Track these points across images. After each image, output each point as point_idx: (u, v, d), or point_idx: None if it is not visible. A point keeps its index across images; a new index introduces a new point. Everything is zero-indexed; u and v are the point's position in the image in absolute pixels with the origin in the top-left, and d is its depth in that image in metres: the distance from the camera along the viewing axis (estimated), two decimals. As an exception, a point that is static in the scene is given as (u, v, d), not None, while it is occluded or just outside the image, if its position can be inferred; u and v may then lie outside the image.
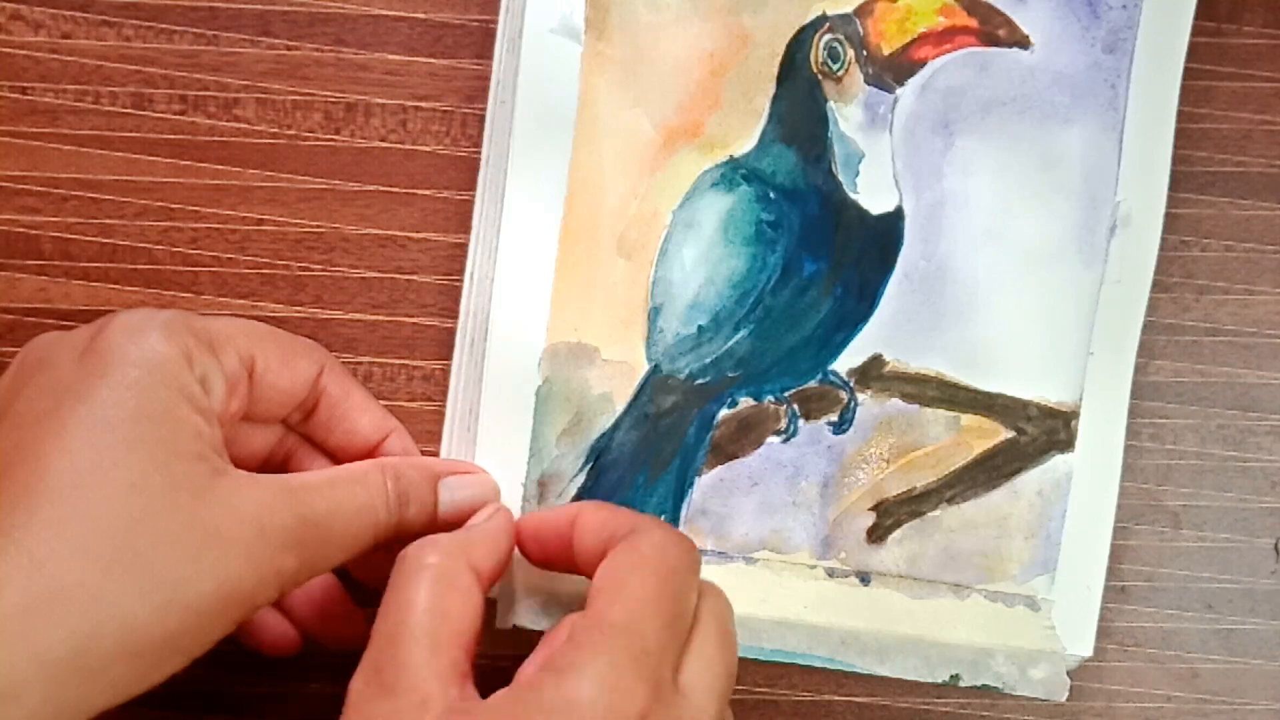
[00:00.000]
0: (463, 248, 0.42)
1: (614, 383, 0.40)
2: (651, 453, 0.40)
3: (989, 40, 0.40)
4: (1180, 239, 0.44)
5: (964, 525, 0.41)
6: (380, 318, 0.43)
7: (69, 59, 0.42)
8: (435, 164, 0.42)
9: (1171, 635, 0.44)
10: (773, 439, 0.41)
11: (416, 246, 0.43)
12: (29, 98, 0.42)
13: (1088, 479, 0.41)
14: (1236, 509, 0.44)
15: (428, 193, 0.43)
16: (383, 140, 0.43)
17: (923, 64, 0.40)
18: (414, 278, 0.43)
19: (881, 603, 0.41)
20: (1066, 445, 0.41)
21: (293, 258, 0.43)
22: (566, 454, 0.40)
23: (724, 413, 0.41)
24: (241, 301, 0.43)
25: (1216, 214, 0.44)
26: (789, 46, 0.40)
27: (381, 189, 0.43)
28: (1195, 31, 0.43)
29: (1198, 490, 0.44)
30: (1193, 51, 0.43)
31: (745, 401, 0.41)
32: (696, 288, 0.40)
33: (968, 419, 0.41)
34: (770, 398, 0.41)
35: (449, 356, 0.42)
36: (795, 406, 0.41)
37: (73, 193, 0.42)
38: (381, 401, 0.42)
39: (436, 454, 0.41)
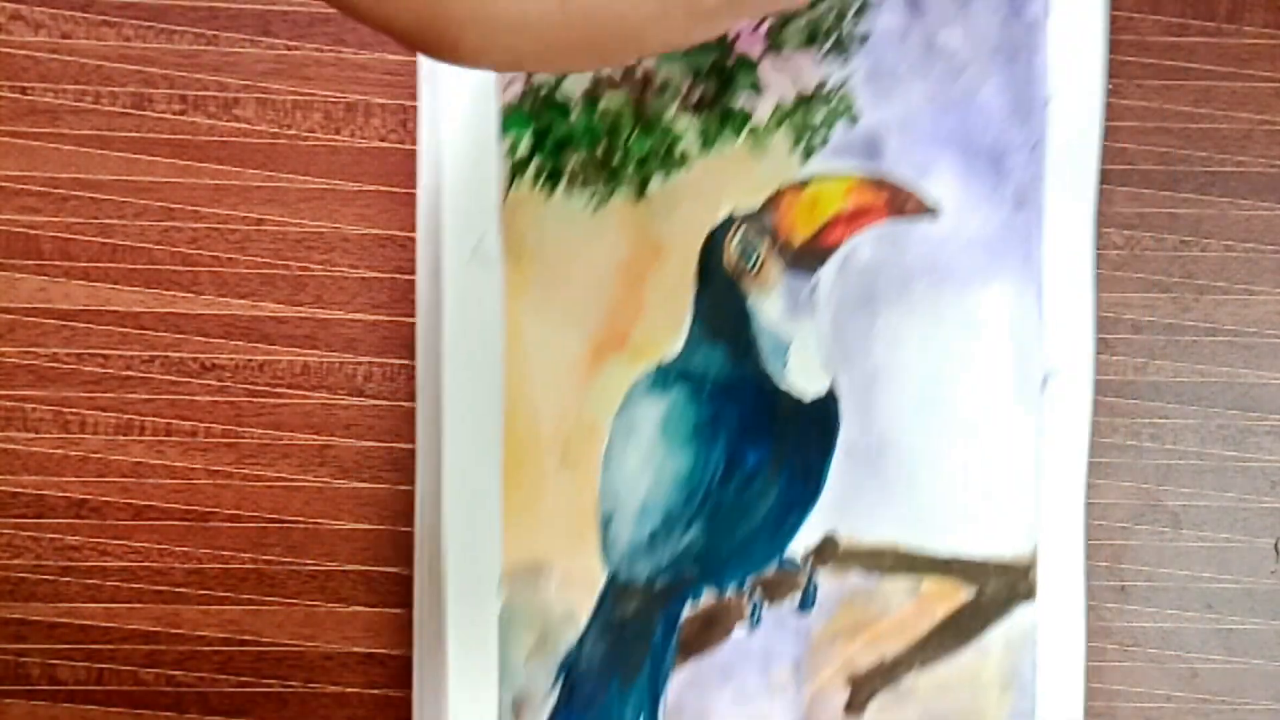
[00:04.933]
0: (463, 248, 0.42)
1: (574, 596, 0.40)
2: (621, 660, 0.40)
3: (898, 214, 0.41)
4: (1180, 239, 0.44)
5: (938, 688, 0.41)
6: (380, 318, 0.43)
7: (69, 59, 0.42)
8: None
9: (1171, 635, 0.44)
10: (739, 630, 0.41)
11: (416, 246, 0.43)
12: (29, 98, 0.42)
13: (1053, 625, 0.42)
14: (1236, 509, 0.44)
15: (428, 193, 0.43)
16: (383, 140, 0.43)
17: (837, 246, 0.41)
18: (414, 278, 0.43)
19: None
20: (1028, 595, 0.41)
21: (293, 258, 0.43)
22: (536, 674, 0.40)
23: (688, 611, 0.41)
24: (241, 301, 0.43)
25: (1216, 214, 0.44)
26: (703, 249, 0.40)
27: (381, 189, 0.43)
28: (1195, 31, 0.43)
29: (1198, 490, 0.44)
30: (1193, 51, 0.43)
31: (707, 596, 0.41)
32: (644, 491, 0.40)
33: (928, 583, 0.41)
34: (731, 589, 0.41)
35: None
36: (757, 594, 0.41)
37: (73, 193, 0.42)
38: (382, 403, 0.42)
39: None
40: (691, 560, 0.41)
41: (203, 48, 0.42)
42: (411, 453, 0.43)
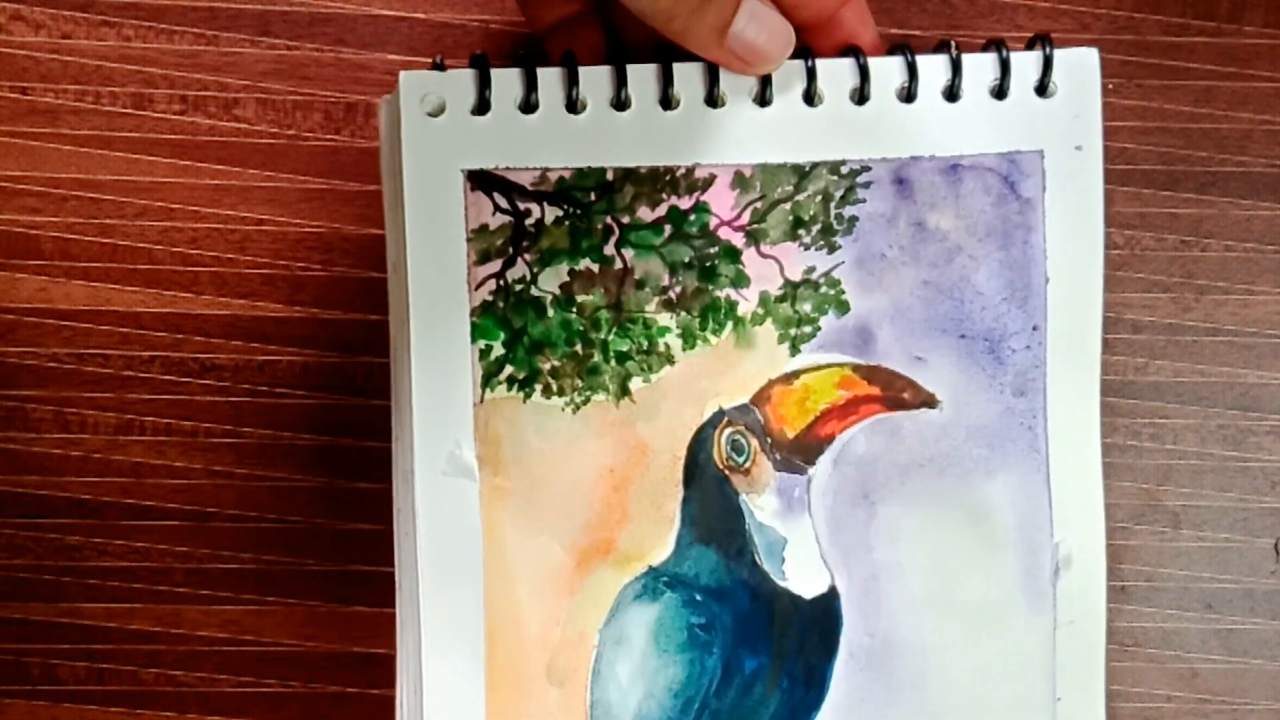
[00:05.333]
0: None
1: None
2: None
3: (895, 405, 0.39)
4: (1180, 239, 0.44)
5: None
6: (380, 318, 0.43)
7: (69, 59, 0.42)
8: (435, 164, 0.43)
9: (1171, 635, 0.44)
10: None
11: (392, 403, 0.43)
12: (29, 98, 0.42)
13: None
14: (1236, 509, 0.44)
15: (428, 193, 0.43)
16: (383, 140, 0.43)
17: (830, 440, 0.39)
18: (414, 278, 0.43)
19: None
20: None
21: (293, 258, 0.43)
22: None
23: None
24: (241, 301, 0.43)
25: (1217, 214, 0.44)
26: (690, 448, 0.38)
27: (381, 189, 0.43)
28: (1195, 31, 0.43)
29: (1198, 490, 0.44)
30: (1193, 51, 0.43)
31: None
32: (637, 704, 0.39)
33: None
34: None
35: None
36: None
37: (73, 193, 0.42)
38: (382, 403, 0.42)
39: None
40: None
41: (203, 48, 0.42)
42: (411, 453, 0.43)
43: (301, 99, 0.42)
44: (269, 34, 0.42)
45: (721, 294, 0.38)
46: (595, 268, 0.38)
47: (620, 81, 0.36)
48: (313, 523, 0.43)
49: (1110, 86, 0.43)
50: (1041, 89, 0.37)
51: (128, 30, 0.42)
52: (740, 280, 0.38)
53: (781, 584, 0.39)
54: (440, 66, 0.36)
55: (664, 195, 0.37)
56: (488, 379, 0.37)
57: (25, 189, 0.42)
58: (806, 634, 0.39)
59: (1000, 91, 0.37)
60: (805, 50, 0.37)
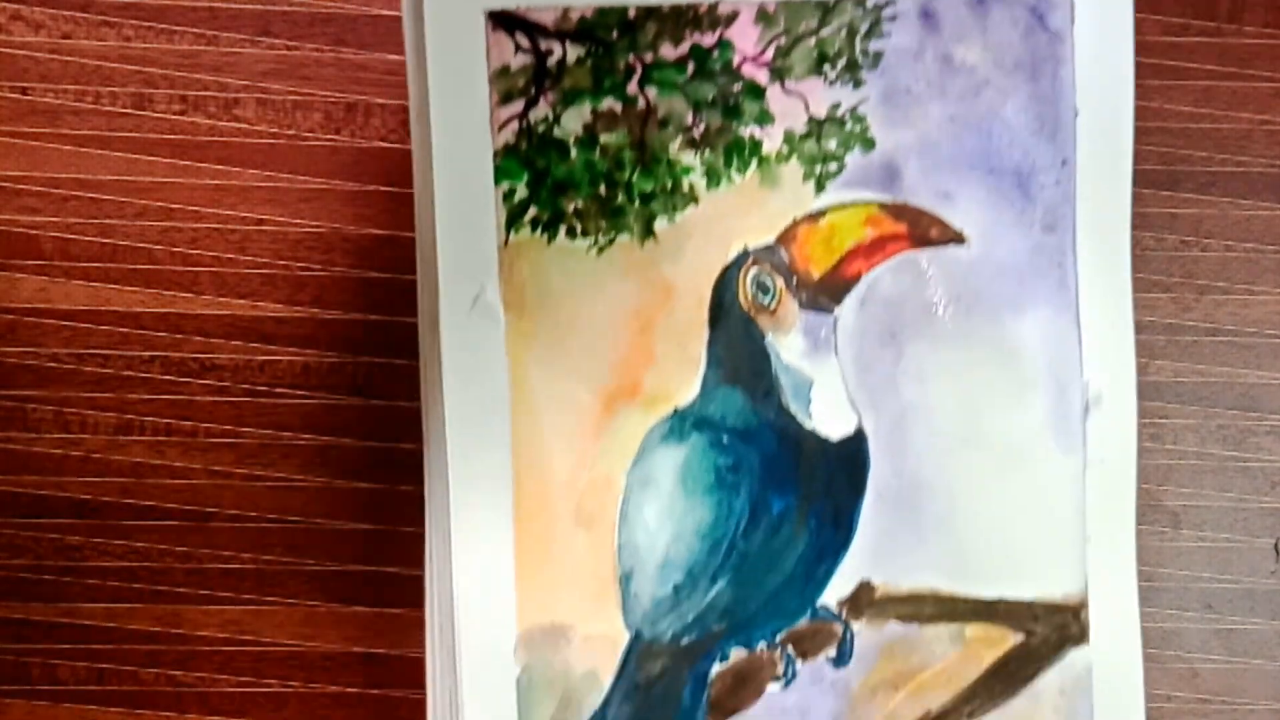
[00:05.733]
0: (463, 248, 0.42)
1: (596, 658, 0.38)
2: None
3: (922, 242, 0.38)
4: (1180, 239, 0.44)
5: None
6: (380, 318, 0.43)
7: (69, 59, 0.42)
8: (435, 164, 0.43)
9: (1171, 635, 0.44)
10: (772, 686, 0.39)
11: (416, 247, 0.43)
12: (29, 98, 0.42)
13: (1109, 668, 0.39)
14: (1236, 509, 0.44)
15: (428, 193, 0.43)
16: (383, 140, 0.43)
17: (857, 279, 0.39)
18: (414, 278, 0.43)
19: None
20: (1080, 638, 0.39)
21: (293, 258, 0.43)
22: None
23: (716, 668, 0.39)
24: (241, 301, 0.43)
25: (1217, 214, 0.44)
26: (715, 288, 0.38)
27: (381, 189, 0.43)
28: (1195, 31, 0.43)
29: (1198, 490, 0.44)
30: (1193, 51, 0.43)
31: (737, 653, 0.39)
32: (665, 546, 0.38)
33: (972, 629, 0.39)
34: (762, 644, 0.39)
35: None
36: (789, 649, 0.39)
37: (73, 193, 0.42)
38: (382, 403, 0.42)
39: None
40: (718, 615, 0.39)
41: (203, 48, 0.42)
42: (411, 452, 0.43)
43: (301, 99, 0.42)
44: (269, 34, 0.42)
45: (745, 132, 0.38)
46: (618, 107, 0.38)
47: None
48: (313, 523, 0.43)
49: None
50: None
51: (128, 30, 0.42)
52: (764, 118, 0.38)
53: (808, 425, 0.39)
54: None
55: (686, 32, 0.37)
56: (512, 221, 0.37)
57: (25, 189, 0.42)
58: (834, 475, 0.39)
59: None
60: None
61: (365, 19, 0.42)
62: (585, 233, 0.38)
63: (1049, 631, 0.39)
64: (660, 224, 0.38)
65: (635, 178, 0.38)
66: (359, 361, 0.43)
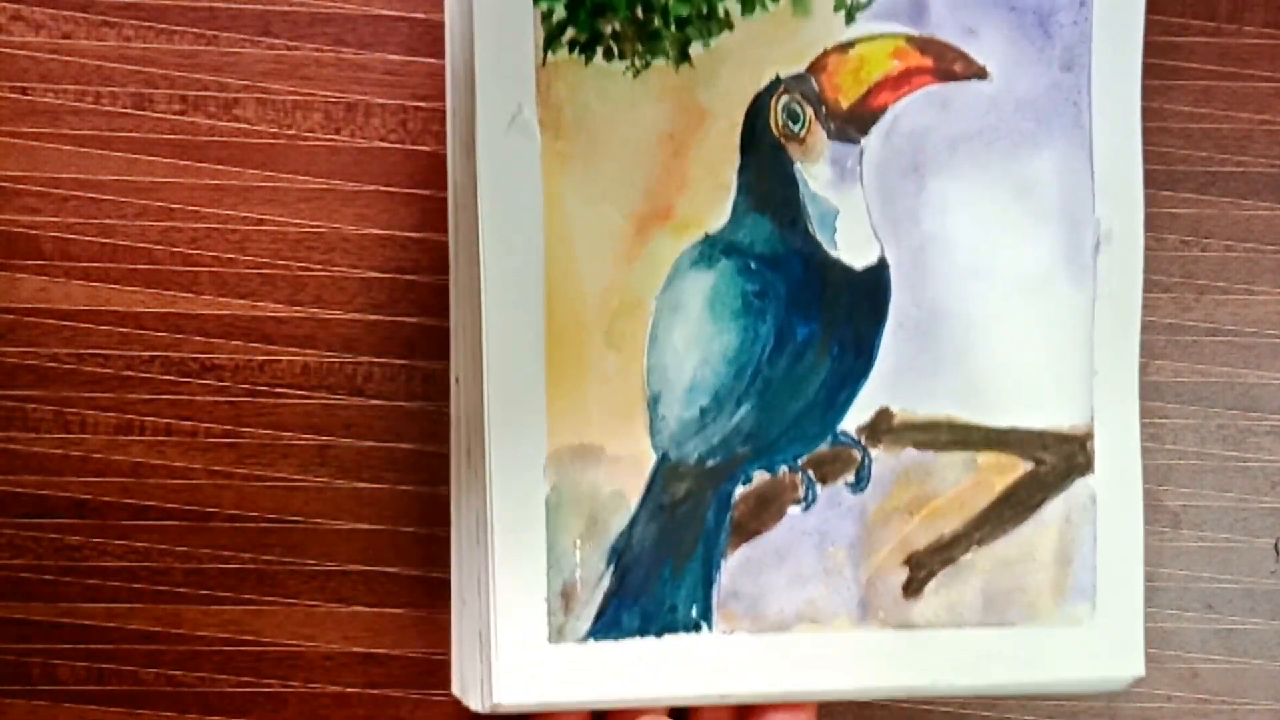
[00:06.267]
0: (463, 248, 0.42)
1: (623, 479, 0.39)
2: (673, 543, 0.39)
3: (946, 76, 0.40)
4: (1180, 239, 0.44)
5: (998, 564, 0.41)
6: (380, 318, 0.43)
7: (69, 59, 0.42)
8: (435, 164, 0.42)
9: (1171, 635, 0.44)
10: (793, 509, 0.40)
11: (416, 246, 0.43)
12: (29, 98, 0.42)
13: (1112, 497, 0.41)
14: (1236, 509, 0.44)
15: (428, 193, 0.43)
16: (383, 140, 0.43)
17: (883, 110, 0.40)
18: (414, 278, 0.43)
19: (926, 658, 0.40)
20: (1086, 468, 0.41)
21: (293, 258, 0.43)
22: (587, 559, 0.39)
23: (740, 490, 0.40)
24: (241, 301, 0.43)
25: (1216, 214, 0.44)
26: (747, 115, 0.39)
27: (381, 189, 0.43)
28: (1195, 31, 0.43)
29: (1198, 490, 0.44)
30: (1193, 51, 0.43)
31: (759, 475, 0.40)
32: (692, 369, 0.39)
33: (984, 457, 0.41)
34: (784, 468, 0.40)
35: (449, 356, 0.42)
36: (810, 473, 0.40)
37: (73, 193, 0.42)
38: (382, 403, 0.42)
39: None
40: (742, 439, 0.40)
41: (203, 48, 0.42)
42: (411, 452, 0.43)
43: (301, 99, 0.42)
44: (269, 34, 0.42)
45: None
46: None
47: None
48: (313, 523, 0.43)
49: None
50: None
51: (128, 30, 0.42)
52: None
53: (833, 254, 0.40)
54: None
55: None
56: (550, 41, 0.38)
57: (25, 189, 0.42)
58: (857, 303, 0.40)
59: None
60: None
61: (365, 19, 0.42)
62: (622, 55, 0.39)
63: (1057, 460, 0.41)
64: (695, 49, 0.39)
65: (671, 2, 0.39)
66: (359, 361, 0.43)
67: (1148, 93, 0.43)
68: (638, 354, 0.39)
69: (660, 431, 0.39)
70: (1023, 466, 0.41)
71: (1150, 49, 0.43)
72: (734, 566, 0.40)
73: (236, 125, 0.42)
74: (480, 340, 0.38)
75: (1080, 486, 0.41)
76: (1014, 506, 0.41)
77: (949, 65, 0.40)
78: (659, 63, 0.39)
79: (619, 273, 0.39)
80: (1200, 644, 0.44)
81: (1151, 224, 0.44)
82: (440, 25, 0.42)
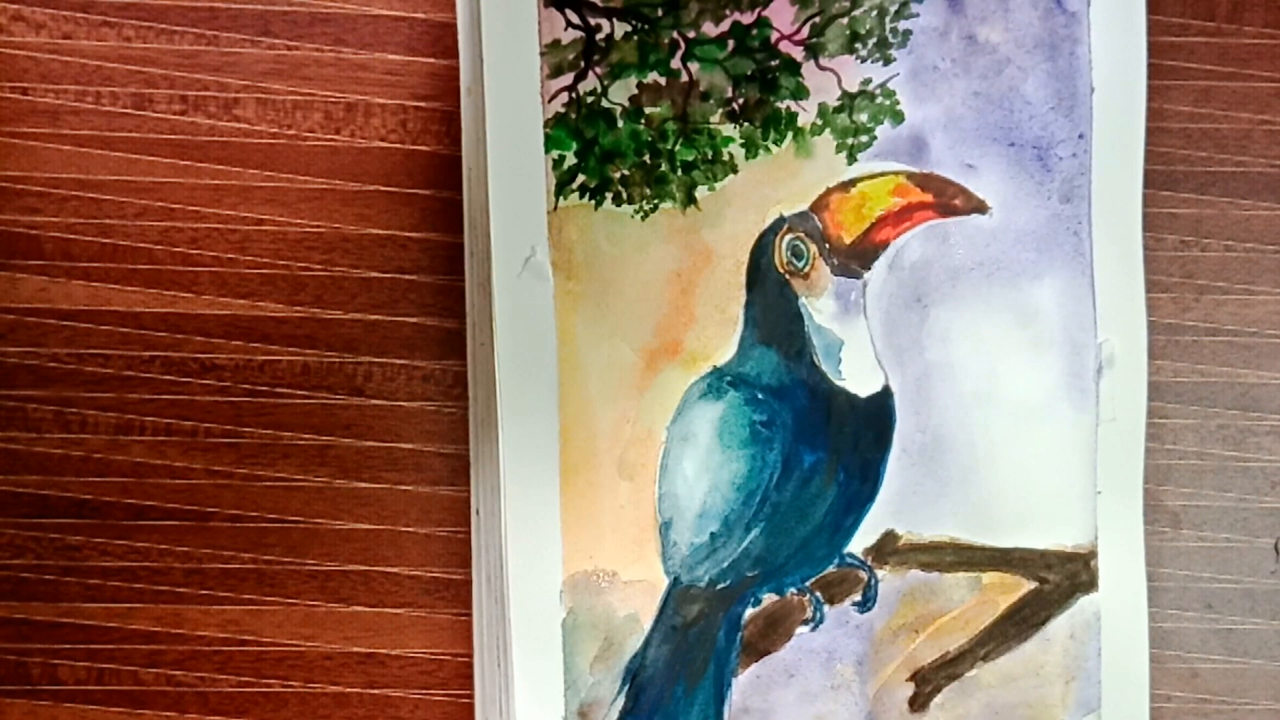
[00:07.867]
0: (461, 248, 0.42)
1: (637, 602, 0.40)
2: (686, 663, 0.41)
3: (947, 211, 0.41)
4: (1180, 239, 0.44)
5: (1003, 680, 0.41)
6: (380, 318, 0.43)
7: (69, 59, 0.42)
8: (435, 164, 0.43)
9: (1171, 635, 0.44)
10: (802, 629, 0.41)
11: (416, 246, 0.43)
12: (29, 98, 0.42)
13: (1116, 613, 0.42)
14: (1236, 509, 0.44)
15: (428, 193, 0.43)
16: (383, 140, 0.43)
17: (885, 245, 0.41)
18: (414, 278, 0.43)
19: None
20: (1090, 585, 0.41)
21: (293, 258, 0.43)
22: (602, 680, 0.40)
23: (750, 612, 0.41)
24: (241, 301, 0.43)
25: (1216, 214, 0.44)
26: (752, 253, 0.40)
27: (381, 189, 0.43)
28: (1195, 31, 0.43)
29: (1198, 490, 0.44)
30: (1193, 51, 0.43)
31: (769, 597, 0.41)
32: (703, 496, 0.41)
33: (989, 577, 0.41)
34: (792, 590, 0.41)
35: (449, 357, 0.42)
36: (818, 594, 0.41)
37: (73, 193, 0.42)
38: (382, 403, 0.42)
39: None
40: (752, 562, 0.41)
41: (203, 48, 0.42)
42: (411, 452, 0.43)
43: (301, 99, 0.42)
44: (269, 34, 0.42)
45: (782, 105, 0.40)
46: (662, 80, 0.40)
47: None
48: (313, 523, 0.43)
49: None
50: None
51: (128, 30, 0.42)
52: (800, 92, 0.40)
53: (838, 383, 0.41)
54: None
55: (727, 11, 0.40)
56: (561, 187, 0.39)
57: (25, 189, 0.42)
58: (862, 430, 0.41)
59: None
60: None
61: (365, 19, 0.42)
62: (630, 199, 0.40)
63: (1061, 579, 0.42)
64: (701, 191, 0.40)
65: (678, 147, 0.40)
66: (359, 361, 0.43)
67: (1148, 93, 0.44)
68: (649, 482, 0.40)
69: (672, 556, 0.41)
70: (1027, 585, 0.41)
71: (1150, 49, 0.43)
72: (744, 684, 0.41)
73: (236, 125, 0.42)
74: (499, 474, 0.39)
75: (1085, 604, 0.42)
76: (1018, 624, 0.42)
77: (949, 200, 0.41)
78: (666, 205, 0.40)
79: (630, 404, 0.40)
80: (1200, 644, 0.44)
81: (1151, 224, 0.44)
82: (440, 25, 0.42)
